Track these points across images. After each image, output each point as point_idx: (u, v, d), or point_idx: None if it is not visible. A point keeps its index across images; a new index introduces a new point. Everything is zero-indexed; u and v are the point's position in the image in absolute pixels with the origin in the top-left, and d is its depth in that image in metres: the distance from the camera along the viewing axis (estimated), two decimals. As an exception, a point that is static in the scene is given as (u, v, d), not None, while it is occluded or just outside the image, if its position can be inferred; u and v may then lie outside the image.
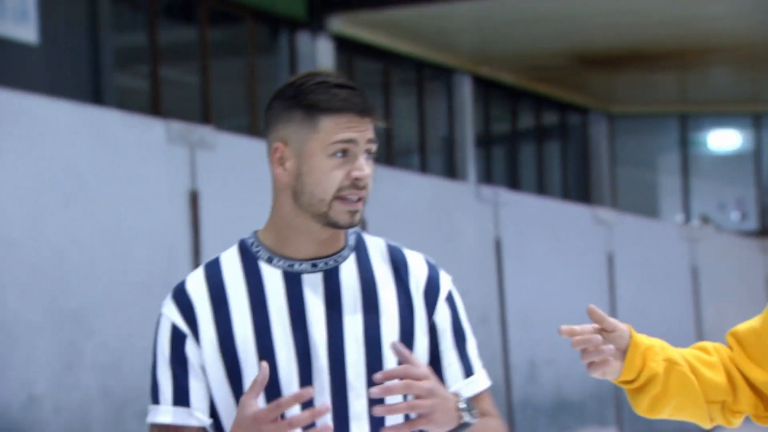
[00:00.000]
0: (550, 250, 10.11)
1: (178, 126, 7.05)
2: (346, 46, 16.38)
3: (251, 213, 8.23)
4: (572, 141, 20.42)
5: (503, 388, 9.40)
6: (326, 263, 2.73)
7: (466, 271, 9.50)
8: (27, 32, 12.08)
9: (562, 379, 10.02)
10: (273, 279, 2.73)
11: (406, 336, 2.71)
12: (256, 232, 2.78)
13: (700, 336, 12.20)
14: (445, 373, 2.73)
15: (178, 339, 2.68)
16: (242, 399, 2.61)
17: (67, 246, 6.44)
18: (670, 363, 2.95)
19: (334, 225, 2.67)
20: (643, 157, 22.10)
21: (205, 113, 14.73)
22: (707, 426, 3.07)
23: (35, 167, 6.38)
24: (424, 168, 17.73)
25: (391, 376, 2.63)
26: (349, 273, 2.73)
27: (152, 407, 2.70)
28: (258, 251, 2.75)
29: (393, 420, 2.64)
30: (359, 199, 2.66)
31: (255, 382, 2.58)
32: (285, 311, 2.70)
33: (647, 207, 20.81)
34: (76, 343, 6.44)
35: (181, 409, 2.68)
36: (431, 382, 2.58)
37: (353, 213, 2.65)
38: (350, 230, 2.78)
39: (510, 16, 16.91)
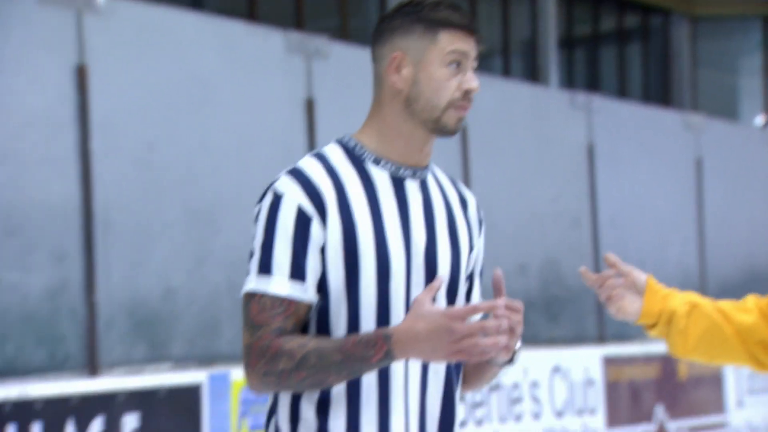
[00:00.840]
0: (640, 155, 10.14)
1: (295, 36, 7.24)
2: None
3: (363, 119, 8.48)
4: (654, 43, 20.18)
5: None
6: (422, 173, 2.92)
7: (559, 176, 9.69)
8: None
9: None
10: (382, 180, 2.88)
11: (470, 248, 3.00)
12: (352, 136, 2.94)
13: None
14: (474, 290, 3.03)
15: (303, 219, 2.78)
16: (419, 299, 2.75)
17: (197, 149, 6.70)
18: (692, 305, 3.18)
19: (443, 129, 2.87)
20: (724, 59, 21.77)
21: (298, 17, 14.76)
22: (760, 370, 3.27)
23: (168, 75, 6.60)
24: (506, 71, 17.68)
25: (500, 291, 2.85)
26: (434, 188, 2.95)
27: (259, 277, 2.76)
28: (363, 153, 2.90)
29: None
30: (467, 108, 2.89)
31: (431, 287, 2.75)
32: (394, 211, 2.87)
33: (728, 109, 20.59)
34: (205, 240, 6.73)
35: (297, 284, 2.78)
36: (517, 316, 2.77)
37: (460, 120, 2.88)
38: None
39: None
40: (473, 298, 3.07)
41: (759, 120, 20.54)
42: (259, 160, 7.30)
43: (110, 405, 6.24)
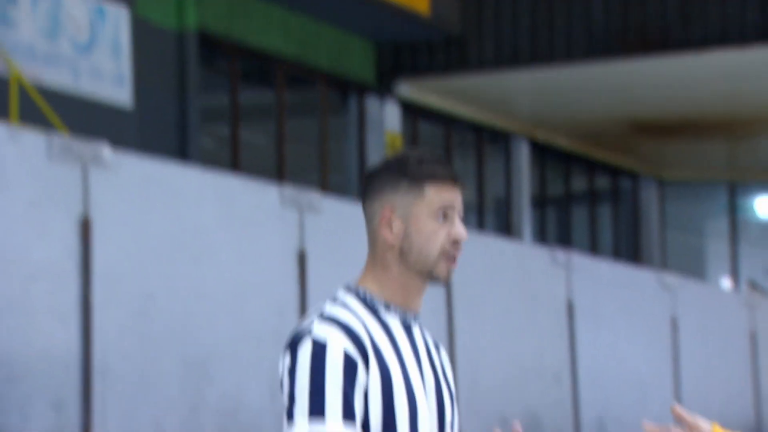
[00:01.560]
0: (618, 312, 10.25)
1: (289, 191, 7.34)
2: (411, 110, 16.56)
3: (354, 271, 8.49)
4: (623, 205, 20.43)
5: (573, 444, 9.63)
6: (417, 319, 3.03)
7: (540, 332, 9.74)
8: (123, 97, 12.64)
9: (630, 436, 10.18)
10: (396, 325, 2.97)
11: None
12: (356, 284, 2.99)
13: (758, 400, 12.30)
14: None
15: (351, 364, 2.88)
16: None
17: (194, 300, 6.68)
18: None
19: (436, 280, 2.94)
20: (692, 222, 22.02)
21: (280, 171, 14.88)
22: None
23: (168, 228, 6.61)
24: (480, 226, 17.84)
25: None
26: (419, 332, 3.05)
27: (312, 421, 2.86)
28: (372, 299, 2.98)
29: None
30: (456, 258, 2.95)
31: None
32: (411, 357, 2.96)
33: (696, 271, 20.78)
34: (199, 389, 6.71)
35: (349, 424, 2.87)
36: None
37: (451, 269, 2.95)
38: None
39: (566, 85, 17.02)
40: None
41: (725, 282, 20.68)
42: (253, 311, 7.27)
43: None
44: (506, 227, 17.81)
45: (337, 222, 7.75)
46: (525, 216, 17.81)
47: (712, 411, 11.42)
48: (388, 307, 2.97)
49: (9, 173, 6.04)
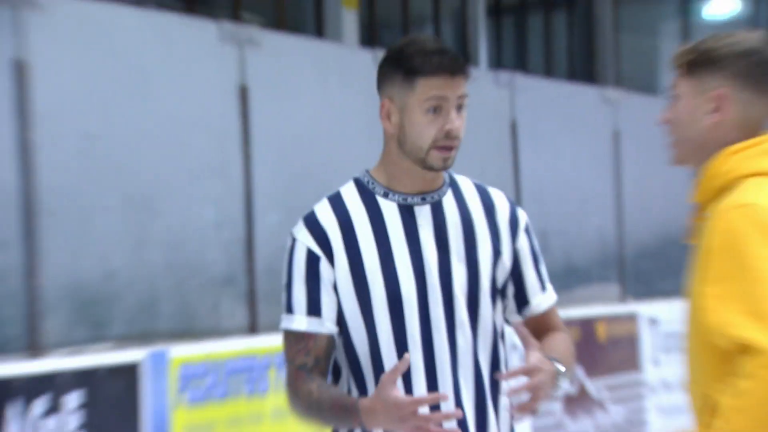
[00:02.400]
0: (561, 130, 10.32)
1: (228, 26, 7.25)
2: None
3: (297, 105, 8.58)
4: (578, 10, 20.52)
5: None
6: (432, 197, 3.03)
7: (484, 152, 9.86)
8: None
9: (570, 247, 10.40)
10: (390, 210, 3.03)
11: (496, 258, 3.06)
12: (368, 171, 3.08)
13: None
14: (526, 287, 3.12)
15: (312, 260, 3.01)
16: (383, 380, 2.84)
17: (136, 138, 6.73)
18: None
19: (431, 168, 2.98)
20: (645, 24, 22.20)
21: (234, 8, 14.93)
22: None
23: (108, 68, 6.58)
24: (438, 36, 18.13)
25: (514, 374, 2.90)
26: (449, 205, 3.05)
27: (286, 316, 3.04)
28: (374, 187, 3.05)
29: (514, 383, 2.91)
30: (452, 147, 2.98)
31: (396, 369, 2.82)
32: (402, 238, 3.02)
33: (648, 77, 21.04)
34: (144, 224, 6.78)
35: (314, 319, 3.01)
36: (543, 374, 2.83)
37: (446, 159, 2.97)
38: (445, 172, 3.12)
39: None
40: (529, 288, 3.13)
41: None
42: (195, 147, 7.34)
43: (53, 385, 6.19)
44: (463, 40, 17.98)
45: (279, 56, 7.74)
46: (480, 27, 17.89)
47: (652, 222, 11.74)
48: (386, 193, 3.03)
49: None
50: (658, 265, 11.28)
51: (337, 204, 3.07)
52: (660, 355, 10.39)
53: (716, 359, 2.89)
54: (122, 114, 6.60)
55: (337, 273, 3.03)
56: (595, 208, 10.85)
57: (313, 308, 3.03)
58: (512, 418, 3.16)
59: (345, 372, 3.12)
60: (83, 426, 6.50)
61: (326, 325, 3.03)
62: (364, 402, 2.90)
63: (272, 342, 7.25)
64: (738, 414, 2.80)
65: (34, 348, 6.23)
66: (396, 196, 3.06)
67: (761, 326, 2.77)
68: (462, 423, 3.02)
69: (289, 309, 3.06)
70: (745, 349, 2.78)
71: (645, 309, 10.27)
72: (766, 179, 2.99)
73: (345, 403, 2.96)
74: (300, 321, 3.04)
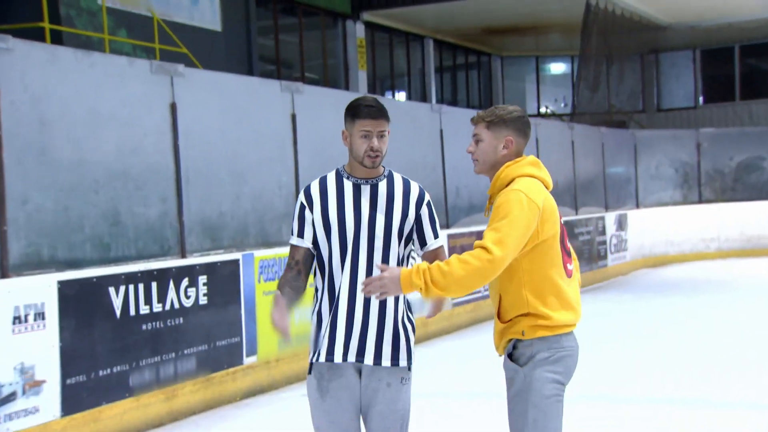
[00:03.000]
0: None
1: (288, 83, 10.52)
2: (369, 26, 21.78)
3: (322, 128, 10.52)
4: (483, 69, 27.60)
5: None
6: (372, 182, 4.13)
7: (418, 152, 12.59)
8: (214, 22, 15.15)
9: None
10: (348, 187, 4.12)
11: (404, 216, 4.14)
12: (344, 165, 4.20)
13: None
14: (425, 235, 4.23)
15: (302, 208, 4.17)
16: (276, 302, 3.96)
17: (237, 143, 9.39)
18: (423, 271, 4.05)
19: (365, 167, 4.14)
20: (517, 75, 29.59)
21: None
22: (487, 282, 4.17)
23: (222, 108, 9.20)
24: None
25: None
26: (382, 187, 4.12)
27: (291, 237, 4.25)
28: (343, 173, 4.18)
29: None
30: (376, 156, 4.12)
31: (282, 319, 3.97)
32: (351, 202, 4.08)
33: (521, 105, 27.78)
34: (240, 186, 9.33)
35: (299, 239, 4.20)
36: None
37: (374, 162, 4.13)
38: (386, 168, 4.25)
39: (450, 9, 22.58)
40: (426, 236, 4.23)
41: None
42: (264, 149, 9.68)
43: (191, 272, 8.44)
44: (423, 85, 24.06)
45: (315, 99, 10.39)
46: (432, 79, 23.99)
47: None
48: (348, 177, 4.14)
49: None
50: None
51: (322, 181, 4.13)
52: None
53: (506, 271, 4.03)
54: (229, 129, 9.43)
55: (314, 216, 4.06)
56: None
57: (300, 233, 4.12)
58: (407, 313, 4.19)
59: (318, 269, 4.15)
60: (206, 295, 8.66)
61: (305, 242, 4.12)
62: (276, 300, 3.98)
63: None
64: (461, 268, 3.84)
65: (182, 252, 8.80)
66: (352, 179, 4.06)
67: (496, 240, 3.88)
68: (367, 307, 4.07)
69: (291, 232, 4.18)
70: (482, 246, 3.89)
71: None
72: (527, 178, 4.15)
73: (278, 294, 4.04)
74: (293, 239, 4.16)
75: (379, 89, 22.03)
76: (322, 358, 4.17)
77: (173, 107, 8.89)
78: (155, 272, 8.21)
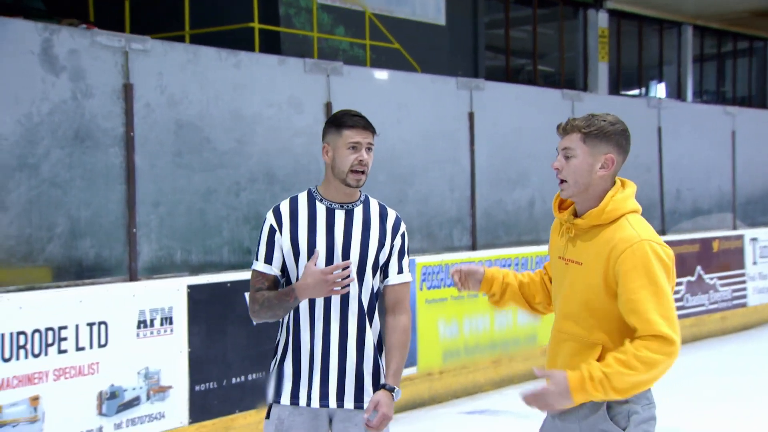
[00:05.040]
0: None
1: (464, 79, 10.01)
2: (613, 14, 20.20)
3: (504, 125, 10.16)
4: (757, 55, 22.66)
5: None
6: (347, 206, 3.81)
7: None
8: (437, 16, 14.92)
9: (697, 197, 13.03)
10: (321, 211, 3.78)
11: (381, 246, 3.83)
12: (316, 186, 3.87)
13: None
14: (389, 268, 3.86)
15: (271, 231, 3.80)
16: (307, 266, 3.67)
17: (397, 143, 9.12)
18: (507, 284, 3.94)
19: (347, 185, 3.78)
20: None
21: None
22: (537, 314, 4.04)
23: (380, 105, 8.87)
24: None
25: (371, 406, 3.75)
26: (358, 214, 3.80)
27: (254, 261, 3.85)
28: (316, 195, 3.83)
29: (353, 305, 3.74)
30: (362, 172, 3.78)
31: (315, 256, 3.64)
32: (324, 228, 3.76)
33: None
34: (404, 190, 9.00)
35: (267, 265, 3.83)
36: (385, 413, 3.71)
37: (359, 180, 3.79)
38: (362, 193, 3.90)
39: None
40: (390, 269, 3.88)
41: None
42: (436, 147, 9.27)
43: None
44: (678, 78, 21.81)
45: (498, 94, 9.94)
46: (689, 70, 21.79)
47: (758, 182, 13.87)
48: (321, 199, 3.82)
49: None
50: (758, 207, 13.74)
51: (293, 202, 3.82)
52: (758, 259, 13.22)
53: (615, 323, 3.50)
54: (388, 130, 9.02)
55: (283, 241, 3.76)
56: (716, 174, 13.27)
57: (268, 258, 3.80)
58: (378, 341, 3.85)
59: None
60: None
61: (274, 270, 3.80)
62: (297, 283, 3.67)
63: (484, 254, 9.41)
64: (647, 370, 3.37)
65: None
66: (325, 202, 3.77)
67: (669, 322, 3.40)
68: (344, 343, 3.77)
69: (257, 257, 3.83)
70: (658, 335, 3.38)
71: (749, 232, 13.17)
72: (635, 215, 3.63)
73: (284, 291, 3.72)
74: (259, 265, 3.82)
75: (623, 82, 20.71)
76: (285, 401, 3.83)
77: (328, 107, 8.63)
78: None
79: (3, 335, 6.22)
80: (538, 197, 10.57)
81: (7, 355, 6.27)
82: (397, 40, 13.52)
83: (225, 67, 8.01)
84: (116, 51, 7.31)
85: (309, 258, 3.71)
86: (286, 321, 3.84)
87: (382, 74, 9.34)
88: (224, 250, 7.89)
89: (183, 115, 7.69)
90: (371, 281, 3.81)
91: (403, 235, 3.90)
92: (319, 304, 3.75)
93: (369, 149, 3.81)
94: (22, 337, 6.33)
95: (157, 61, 7.56)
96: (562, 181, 3.65)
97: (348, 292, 3.75)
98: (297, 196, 3.89)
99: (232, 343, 7.54)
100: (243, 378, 7.62)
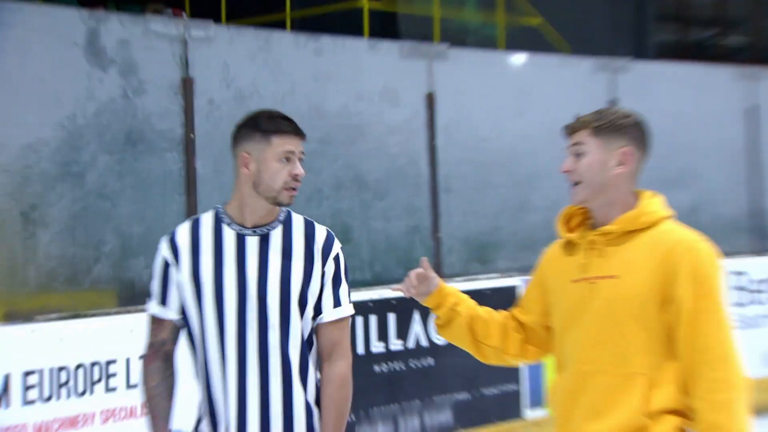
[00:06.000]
0: None
1: (604, 60, 9.45)
2: None
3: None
4: None
5: None
6: (261, 230, 3.68)
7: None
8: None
9: None
10: (229, 237, 3.67)
11: (307, 277, 3.67)
12: (223, 205, 3.72)
13: None
14: (323, 300, 3.73)
15: (166, 266, 3.70)
16: None
17: (517, 138, 9.00)
18: (456, 313, 3.98)
19: (280, 204, 3.65)
20: None
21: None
22: (482, 360, 4.04)
23: (495, 94, 8.85)
24: None
25: None
26: (275, 237, 3.66)
27: (149, 302, 3.78)
28: (223, 217, 3.70)
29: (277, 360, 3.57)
30: (295, 188, 3.65)
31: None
32: (233, 259, 3.65)
33: None
34: (526, 194, 9.04)
35: (161, 307, 3.74)
36: None
37: (292, 196, 3.65)
38: (283, 209, 3.73)
39: None
40: (324, 302, 3.74)
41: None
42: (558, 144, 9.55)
43: None
44: None
45: (643, 75, 9.87)
46: None
47: None
48: (230, 223, 3.71)
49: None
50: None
51: (194, 227, 3.73)
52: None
53: (659, 343, 3.58)
54: (505, 124, 9.00)
55: (181, 276, 3.67)
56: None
57: (163, 299, 3.74)
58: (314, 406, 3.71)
59: (190, 348, 3.78)
60: None
61: (169, 313, 3.72)
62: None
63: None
64: (741, 395, 3.51)
65: (438, 276, 8.43)
66: (235, 226, 3.69)
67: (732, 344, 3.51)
68: (266, 406, 3.64)
69: (150, 297, 3.77)
70: (723, 359, 3.50)
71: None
72: (671, 221, 3.71)
73: (153, 425, 3.71)
74: (153, 307, 3.76)
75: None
76: None
77: (430, 98, 8.65)
78: (394, 301, 7.89)
79: (42, 371, 6.27)
80: (705, 201, 10.22)
81: (46, 393, 6.31)
82: (541, 15, 13.41)
83: (303, 55, 8.00)
84: (173, 40, 7.34)
85: (216, 298, 3.63)
86: (199, 372, 3.76)
87: (498, 57, 9.32)
88: (304, 269, 8.02)
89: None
90: (299, 324, 3.67)
91: (336, 259, 3.76)
92: (232, 356, 3.64)
93: (301, 160, 3.73)
94: (63, 373, 6.38)
95: (221, 50, 7.55)
96: (575, 184, 3.71)
97: (267, 341, 3.63)
98: (199, 218, 3.79)
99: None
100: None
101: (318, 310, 3.71)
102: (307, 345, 3.70)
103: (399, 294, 3.93)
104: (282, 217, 3.73)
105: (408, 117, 8.48)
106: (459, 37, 12.98)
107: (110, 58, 7.07)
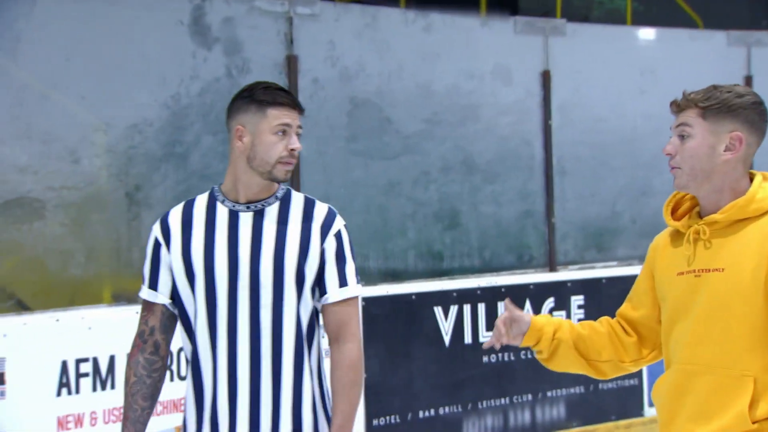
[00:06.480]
0: None
1: (737, 33, 9.33)
2: None
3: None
4: None
5: None
6: (255, 206, 3.70)
7: None
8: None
9: None
10: (222, 214, 3.70)
11: (303, 254, 3.68)
12: (219, 184, 3.75)
13: None
14: (325, 280, 3.72)
15: (156, 247, 3.75)
16: None
17: (638, 118, 9.00)
18: (558, 340, 3.91)
19: (275, 179, 3.65)
20: None
21: None
22: (601, 377, 4.00)
23: (615, 71, 8.94)
24: None
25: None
26: (271, 214, 3.68)
27: (141, 287, 3.80)
28: (217, 195, 3.73)
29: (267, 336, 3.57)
30: (292, 161, 3.67)
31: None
32: (225, 236, 3.68)
33: None
34: (649, 178, 9.04)
35: (151, 291, 3.77)
36: None
37: (288, 171, 3.66)
38: (282, 185, 3.75)
39: None
40: (327, 281, 3.73)
41: None
42: None
43: (561, 290, 8.19)
44: None
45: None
46: None
47: None
48: (224, 200, 3.73)
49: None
50: None
51: (187, 207, 3.77)
52: None
53: None
54: (627, 103, 9.04)
55: (172, 258, 3.71)
56: None
57: (153, 283, 3.77)
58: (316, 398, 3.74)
59: (183, 334, 3.77)
60: (581, 320, 6.97)
61: (160, 297, 3.75)
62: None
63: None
64: None
65: (550, 264, 8.67)
66: (228, 203, 3.72)
67: None
68: (256, 391, 3.65)
69: (143, 281, 3.79)
70: None
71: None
72: None
73: (123, 428, 3.76)
74: (144, 291, 3.78)
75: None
76: None
77: (545, 76, 8.80)
78: (503, 289, 7.95)
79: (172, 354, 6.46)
80: None
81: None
82: (675, -17, 13.38)
83: (411, 32, 8.15)
84: (278, 17, 7.56)
85: (206, 276, 3.64)
86: (188, 356, 3.75)
87: (621, 32, 9.31)
88: (409, 254, 8.12)
89: (359, 92, 7.90)
90: (294, 305, 3.67)
91: (338, 236, 3.76)
92: (222, 339, 3.65)
93: (298, 134, 3.75)
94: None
95: (327, 27, 7.76)
96: (676, 169, 3.60)
97: (259, 322, 3.62)
98: (195, 198, 3.82)
99: (419, 368, 7.64)
100: (432, 412, 7.77)
101: (322, 290, 3.73)
102: (308, 329, 3.73)
103: (498, 338, 3.94)
104: (280, 193, 3.76)
105: (521, 96, 8.62)
106: (583, 11, 12.99)
107: (215, 36, 7.29)
